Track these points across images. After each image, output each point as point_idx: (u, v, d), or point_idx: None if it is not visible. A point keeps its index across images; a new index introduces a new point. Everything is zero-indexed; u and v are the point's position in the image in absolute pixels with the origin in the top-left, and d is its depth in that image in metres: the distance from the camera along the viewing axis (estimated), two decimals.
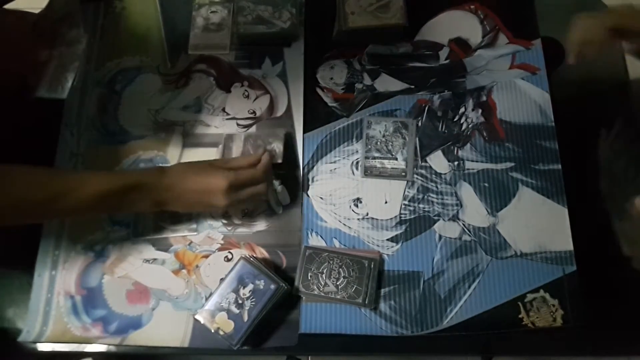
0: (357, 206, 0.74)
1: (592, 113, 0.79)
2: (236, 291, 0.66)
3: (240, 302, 0.65)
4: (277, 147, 0.74)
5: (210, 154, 0.76)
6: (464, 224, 0.72)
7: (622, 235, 0.70)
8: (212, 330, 0.64)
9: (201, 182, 0.65)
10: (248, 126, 0.78)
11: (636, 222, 0.68)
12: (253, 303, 0.65)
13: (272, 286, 0.66)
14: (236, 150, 0.75)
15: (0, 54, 0.76)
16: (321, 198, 0.74)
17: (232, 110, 0.79)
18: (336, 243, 0.72)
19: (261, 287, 0.66)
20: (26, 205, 0.58)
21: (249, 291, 0.65)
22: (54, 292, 0.70)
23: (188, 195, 0.65)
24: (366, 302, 0.67)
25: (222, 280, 0.67)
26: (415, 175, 0.75)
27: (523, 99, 0.78)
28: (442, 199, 0.74)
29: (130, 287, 0.71)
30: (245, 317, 0.65)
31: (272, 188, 0.73)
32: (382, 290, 0.69)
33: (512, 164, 0.75)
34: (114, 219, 0.74)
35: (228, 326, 0.64)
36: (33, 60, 0.79)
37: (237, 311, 0.65)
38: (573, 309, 0.68)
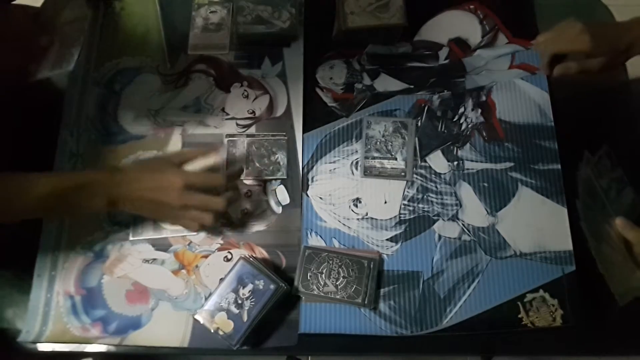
0: (356, 206, 0.74)
1: (591, 113, 0.79)
2: (236, 291, 0.66)
3: (239, 302, 0.65)
4: (282, 159, 0.74)
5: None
6: (463, 224, 0.72)
7: (597, 255, 0.70)
8: (212, 331, 0.64)
9: (156, 179, 0.64)
10: (247, 126, 0.78)
11: (613, 242, 0.69)
12: (253, 303, 0.65)
13: (272, 286, 0.66)
14: (239, 158, 0.75)
15: (3, 49, 0.76)
16: (321, 198, 0.74)
17: (232, 110, 0.79)
18: (336, 243, 0.72)
19: (261, 287, 0.66)
20: None
21: (249, 291, 0.65)
22: (53, 292, 0.70)
23: (142, 194, 0.64)
24: (366, 302, 0.67)
25: (221, 280, 0.67)
26: (415, 175, 0.75)
27: (522, 98, 0.78)
28: (442, 198, 0.74)
29: (130, 287, 0.71)
30: (245, 317, 0.65)
31: (262, 200, 0.72)
32: (382, 290, 0.69)
33: (512, 164, 0.75)
34: (114, 219, 0.74)
35: (227, 326, 0.64)
36: (34, 49, 0.79)
37: (236, 311, 0.65)
38: (572, 309, 0.68)
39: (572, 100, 0.78)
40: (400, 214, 0.73)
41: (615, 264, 0.69)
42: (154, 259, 0.72)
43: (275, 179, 0.75)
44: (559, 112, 0.77)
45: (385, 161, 0.75)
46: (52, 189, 0.61)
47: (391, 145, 0.76)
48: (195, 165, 0.69)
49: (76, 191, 0.62)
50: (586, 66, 0.72)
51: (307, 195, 0.74)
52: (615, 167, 0.72)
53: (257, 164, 0.75)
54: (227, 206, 0.66)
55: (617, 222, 0.69)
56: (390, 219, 0.73)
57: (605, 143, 0.75)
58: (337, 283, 0.68)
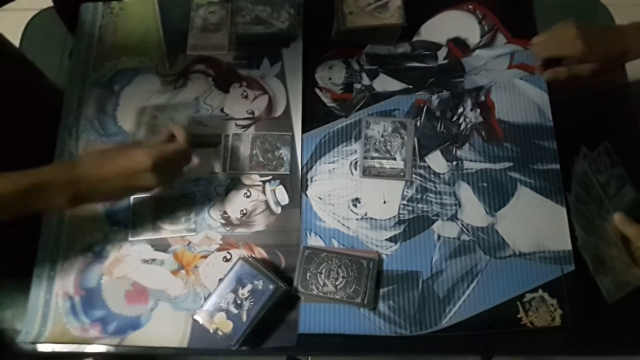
0: (355, 206, 0.74)
1: (591, 113, 0.80)
2: (235, 291, 0.66)
3: (239, 302, 0.65)
4: (285, 154, 0.74)
5: (208, 153, 0.76)
6: (462, 224, 0.72)
7: (584, 249, 0.70)
8: (211, 331, 0.64)
9: (122, 165, 0.61)
10: (247, 126, 0.78)
11: (609, 238, 0.69)
12: (252, 303, 0.65)
13: (271, 286, 0.66)
14: (243, 152, 0.75)
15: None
16: (320, 198, 0.74)
17: (231, 110, 0.79)
18: (335, 243, 0.72)
19: (260, 287, 0.66)
20: None
21: (248, 291, 0.65)
22: (52, 292, 0.70)
23: (110, 183, 0.61)
24: (365, 302, 0.67)
25: (220, 280, 0.67)
26: (414, 175, 0.75)
27: (521, 98, 0.78)
28: (441, 198, 0.74)
29: (129, 288, 0.71)
30: (244, 318, 0.64)
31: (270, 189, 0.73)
32: (381, 290, 0.69)
33: (511, 164, 0.75)
34: (113, 219, 0.74)
35: (227, 326, 0.64)
36: None
37: (235, 311, 0.65)
38: (572, 309, 0.68)
39: (571, 100, 0.78)
40: (399, 214, 0.73)
41: (610, 260, 0.69)
42: (153, 260, 0.72)
43: (278, 174, 0.75)
44: (557, 112, 0.77)
45: (384, 161, 0.75)
46: (15, 189, 0.57)
47: (390, 145, 0.76)
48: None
49: (40, 190, 0.58)
50: (577, 71, 0.72)
51: (307, 196, 0.74)
52: (615, 164, 0.72)
53: (261, 158, 0.75)
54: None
55: (615, 217, 0.69)
56: (390, 219, 0.73)
57: (606, 140, 0.75)
58: (337, 283, 0.68)
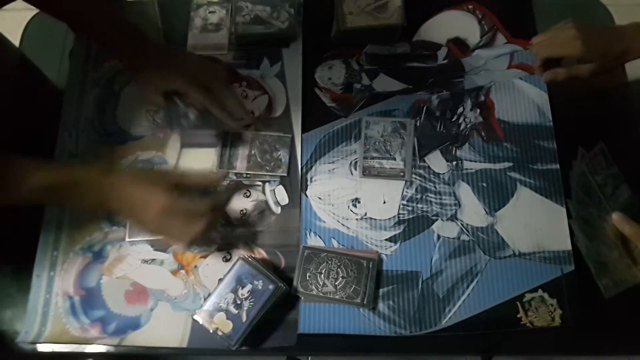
0: (355, 206, 0.74)
1: (590, 113, 0.79)
2: (235, 291, 0.66)
3: (238, 302, 0.65)
4: (284, 156, 0.74)
5: (208, 153, 0.76)
6: (462, 224, 0.72)
7: (588, 256, 0.70)
8: (211, 331, 0.64)
9: (138, 195, 0.61)
10: (246, 126, 0.78)
11: (608, 239, 0.68)
12: (252, 303, 0.65)
13: (271, 286, 0.66)
14: (241, 152, 0.75)
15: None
16: (319, 198, 0.74)
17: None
18: (334, 243, 0.72)
19: (260, 287, 0.66)
20: None
21: (248, 291, 0.65)
22: (52, 292, 0.70)
23: (124, 203, 0.62)
24: (365, 302, 0.67)
25: (220, 280, 0.67)
26: (414, 175, 0.75)
27: (521, 98, 0.78)
28: (441, 198, 0.74)
29: (129, 288, 0.71)
30: (244, 318, 0.65)
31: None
32: (381, 290, 0.69)
33: (511, 164, 0.75)
34: (113, 219, 0.74)
35: (226, 326, 0.64)
36: None
37: (235, 311, 0.65)
38: (571, 309, 0.68)
39: (569, 101, 0.78)
40: (399, 214, 0.73)
41: (612, 263, 0.69)
42: (153, 260, 0.72)
43: (276, 176, 0.75)
44: (556, 112, 0.77)
45: (384, 161, 0.75)
46: (49, 182, 0.60)
47: (390, 145, 0.76)
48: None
49: (71, 187, 0.61)
50: (576, 72, 0.72)
51: (306, 196, 0.74)
52: (610, 164, 0.72)
53: (259, 159, 0.75)
54: (206, 231, 0.62)
55: (613, 217, 0.69)
56: (389, 219, 0.73)
57: (601, 141, 0.75)
58: (336, 283, 0.68)
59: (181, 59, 0.75)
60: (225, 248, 0.72)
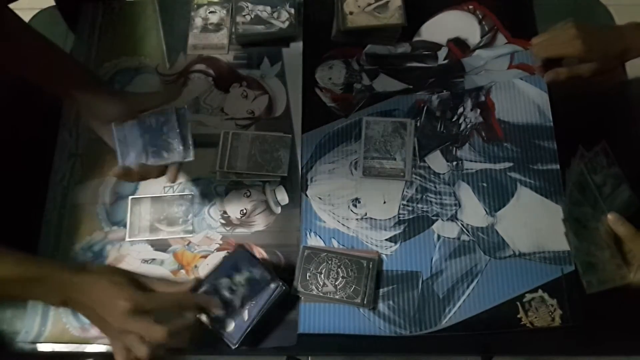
0: (355, 206, 0.74)
1: (589, 113, 0.79)
2: (230, 276, 0.65)
3: (234, 288, 0.65)
4: (284, 156, 0.74)
5: (208, 153, 0.76)
6: (462, 224, 0.72)
7: (577, 259, 0.70)
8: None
9: (106, 294, 0.57)
10: (247, 126, 0.78)
11: (601, 240, 0.68)
12: (248, 293, 0.64)
13: (272, 285, 0.66)
14: (242, 152, 0.75)
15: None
16: (320, 198, 0.74)
17: (231, 110, 0.79)
18: (335, 243, 0.72)
19: (257, 277, 0.65)
20: None
21: (245, 279, 0.65)
22: None
23: (90, 303, 0.58)
24: (365, 302, 0.67)
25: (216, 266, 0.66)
26: (414, 176, 0.75)
27: (521, 99, 0.78)
28: (441, 199, 0.74)
29: None
30: (246, 317, 0.65)
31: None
32: (381, 291, 0.69)
33: (511, 164, 0.75)
34: (113, 219, 0.74)
35: (228, 325, 0.64)
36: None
37: (229, 296, 0.64)
38: (571, 309, 0.68)
39: (570, 100, 0.78)
40: (399, 214, 0.73)
41: (601, 263, 0.68)
42: (153, 259, 0.72)
43: (276, 176, 0.75)
44: (556, 111, 0.77)
45: (384, 161, 0.75)
46: (11, 275, 0.56)
47: (390, 145, 0.76)
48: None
49: (35, 282, 0.57)
50: (577, 72, 0.72)
51: (306, 196, 0.74)
52: (611, 163, 0.72)
53: (259, 159, 0.75)
54: (171, 338, 0.56)
55: (609, 217, 0.68)
56: (389, 219, 0.73)
57: (604, 140, 0.74)
58: (336, 283, 0.68)
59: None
60: (225, 248, 0.72)
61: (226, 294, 0.65)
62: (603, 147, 0.72)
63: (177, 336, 0.57)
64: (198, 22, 0.83)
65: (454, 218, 0.73)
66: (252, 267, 0.66)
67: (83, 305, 0.59)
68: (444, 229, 0.72)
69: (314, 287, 0.68)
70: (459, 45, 0.82)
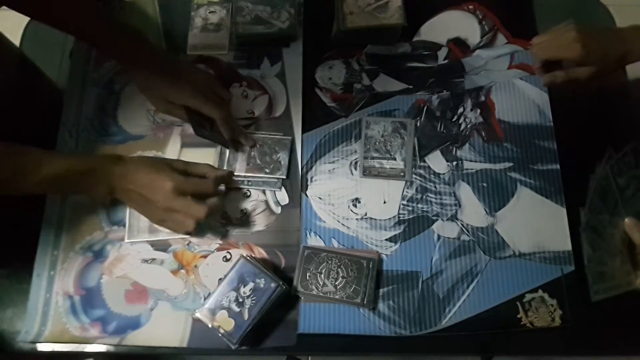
0: (355, 206, 0.74)
1: (590, 113, 0.80)
2: (237, 290, 0.66)
3: (240, 300, 0.65)
4: (283, 159, 0.74)
5: (208, 153, 0.76)
6: (462, 224, 0.72)
7: (589, 270, 0.69)
8: (210, 325, 0.64)
9: (148, 177, 0.65)
10: (247, 126, 0.78)
11: (614, 246, 0.68)
12: (254, 302, 0.65)
13: (272, 285, 0.66)
14: (241, 153, 0.75)
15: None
16: (320, 198, 0.74)
17: (231, 110, 0.79)
18: (335, 243, 0.72)
19: (262, 285, 0.66)
20: None
21: (250, 290, 0.65)
22: (52, 292, 0.70)
23: (134, 187, 0.65)
24: (365, 302, 0.67)
25: (221, 279, 0.67)
26: (414, 176, 0.75)
27: (521, 99, 0.78)
28: (441, 199, 0.74)
29: (129, 287, 0.71)
30: (246, 316, 0.64)
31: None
32: (381, 290, 0.70)
33: (511, 164, 0.75)
34: (113, 219, 0.74)
35: (228, 325, 0.64)
36: None
37: (237, 309, 0.65)
38: (571, 309, 0.68)
39: (570, 100, 0.78)
40: (399, 214, 0.73)
41: (611, 271, 0.68)
42: (153, 259, 0.72)
43: (275, 178, 0.75)
44: (558, 113, 0.77)
45: (384, 161, 0.75)
46: (63, 171, 0.62)
47: (390, 145, 0.76)
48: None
49: (84, 176, 0.64)
50: (574, 75, 0.72)
51: (306, 196, 0.74)
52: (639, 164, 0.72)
53: (259, 161, 0.75)
54: (210, 214, 0.65)
55: (626, 222, 0.68)
56: (389, 219, 0.73)
57: (633, 140, 0.73)
58: (336, 283, 0.68)
59: (186, 71, 0.75)
60: (225, 247, 0.72)
61: (235, 307, 0.65)
62: (634, 147, 0.72)
63: (213, 214, 0.67)
64: (198, 22, 0.83)
65: (454, 218, 0.73)
66: (257, 277, 0.66)
67: (129, 192, 0.66)
68: (444, 229, 0.72)
69: (314, 287, 0.68)
70: (459, 45, 0.82)
